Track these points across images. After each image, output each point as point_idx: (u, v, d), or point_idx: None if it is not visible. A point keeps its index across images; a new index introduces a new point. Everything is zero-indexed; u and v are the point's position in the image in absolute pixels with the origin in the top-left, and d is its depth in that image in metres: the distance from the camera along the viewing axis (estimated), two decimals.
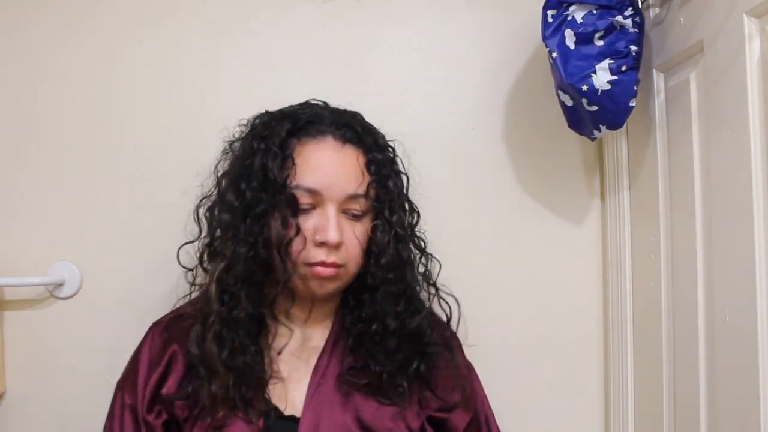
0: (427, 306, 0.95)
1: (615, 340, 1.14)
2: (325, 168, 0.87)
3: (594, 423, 1.19)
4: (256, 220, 0.85)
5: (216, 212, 0.91)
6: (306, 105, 0.96)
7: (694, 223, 0.92)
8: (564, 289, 1.19)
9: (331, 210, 0.85)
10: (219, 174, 0.94)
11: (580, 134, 1.08)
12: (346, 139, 0.89)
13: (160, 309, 1.10)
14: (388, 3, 1.19)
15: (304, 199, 0.86)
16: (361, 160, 0.89)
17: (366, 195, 0.88)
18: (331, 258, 0.85)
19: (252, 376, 0.85)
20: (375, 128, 0.96)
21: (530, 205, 1.19)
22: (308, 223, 0.85)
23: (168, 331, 0.92)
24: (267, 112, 0.94)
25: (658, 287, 1.02)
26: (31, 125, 1.15)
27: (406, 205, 0.95)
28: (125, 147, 1.15)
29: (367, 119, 0.97)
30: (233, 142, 0.96)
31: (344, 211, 0.87)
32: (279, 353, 0.90)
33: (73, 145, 1.15)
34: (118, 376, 1.14)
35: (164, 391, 0.88)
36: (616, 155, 1.14)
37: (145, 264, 1.14)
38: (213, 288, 0.86)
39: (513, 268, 1.19)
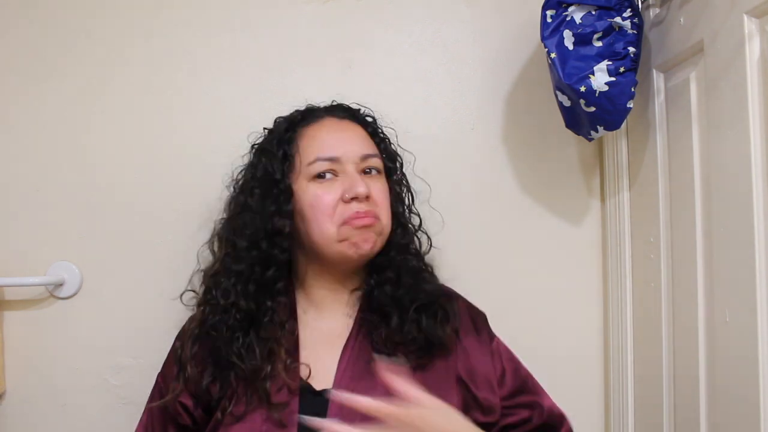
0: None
1: (615, 340, 1.14)
2: (335, 137, 0.94)
3: (594, 423, 1.19)
4: (265, 218, 0.92)
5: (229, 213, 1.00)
6: (304, 108, 1.03)
7: (694, 223, 0.92)
8: (564, 290, 1.19)
9: (352, 170, 0.92)
10: (236, 182, 1.01)
11: (578, 134, 1.08)
12: (343, 118, 0.98)
13: (160, 309, 1.11)
14: (388, 3, 1.19)
15: (326, 169, 0.91)
16: (363, 130, 0.98)
17: (379, 155, 0.97)
18: (364, 208, 0.90)
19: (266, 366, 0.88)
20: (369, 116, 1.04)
21: (530, 206, 1.19)
22: (335, 188, 0.90)
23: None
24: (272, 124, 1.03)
25: (658, 287, 1.02)
26: (30, 125, 1.15)
27: (404, 182, 1.03)
28: (125, 148, 1.15)
29: (367, 119, 1.03)
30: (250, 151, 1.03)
31: (363, 171, 0.93)
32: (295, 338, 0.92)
33: (72, 145, 1.15)
34: (118, 376, 1.14)
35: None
36: (616, 156, 1.14)
37: (145, 264, 1.15)
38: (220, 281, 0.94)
39: (512, 269, 1.19)
